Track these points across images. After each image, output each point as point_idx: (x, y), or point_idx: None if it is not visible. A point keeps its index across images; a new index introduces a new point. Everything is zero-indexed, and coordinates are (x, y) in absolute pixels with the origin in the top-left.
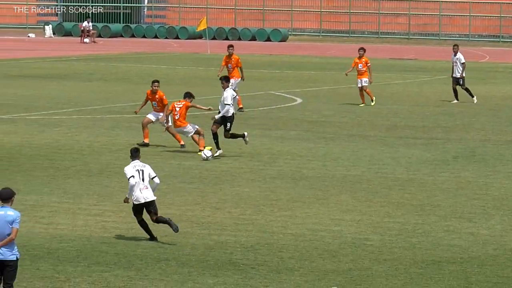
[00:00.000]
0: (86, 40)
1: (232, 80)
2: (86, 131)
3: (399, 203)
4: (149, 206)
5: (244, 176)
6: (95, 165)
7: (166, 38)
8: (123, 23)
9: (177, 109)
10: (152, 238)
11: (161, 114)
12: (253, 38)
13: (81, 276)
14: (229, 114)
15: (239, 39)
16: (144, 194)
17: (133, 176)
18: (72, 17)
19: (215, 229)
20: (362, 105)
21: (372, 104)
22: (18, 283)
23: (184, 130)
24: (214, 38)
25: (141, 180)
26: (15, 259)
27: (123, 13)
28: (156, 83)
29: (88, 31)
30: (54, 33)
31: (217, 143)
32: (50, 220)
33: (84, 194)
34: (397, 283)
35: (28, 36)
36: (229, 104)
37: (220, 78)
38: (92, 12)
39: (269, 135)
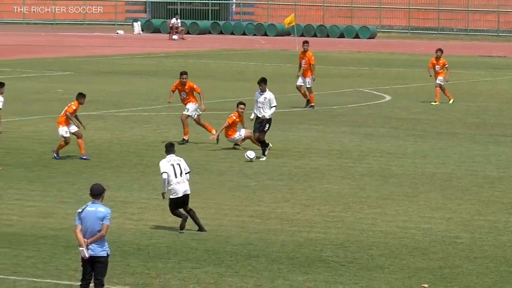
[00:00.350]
0: (175, 37)
1: (307, 79)
2: (175, 128)
3: (489, 201)
4: (186, 199)
5: (333, 173)
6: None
7: (255, 35)
8: (211, 20)
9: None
10: (201, 229)
11: (190, 104)
12: (342, 35)
13: (171, 272)
14: (271, 116)
15: (327, 36)
16: (182, 187)
17: (166, 172)
18: (161, 14)
19: (305, 226)
20: (435, 103)
21: (450, 102)
22: (108, 279)
23: (234, 139)
24: (302, 35)
25: (179, 175)
26: (105, 255)
27: (212, 10)
28: (184, 75)
29: (177, 28)
30: (142, 30)
31: (264, 150)
32: (140, 217)
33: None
34: (488, 281)
35: (117, 33)
36: (276, 106)
37: (259, 82)
38: (180, 9)
39: (358, 132)
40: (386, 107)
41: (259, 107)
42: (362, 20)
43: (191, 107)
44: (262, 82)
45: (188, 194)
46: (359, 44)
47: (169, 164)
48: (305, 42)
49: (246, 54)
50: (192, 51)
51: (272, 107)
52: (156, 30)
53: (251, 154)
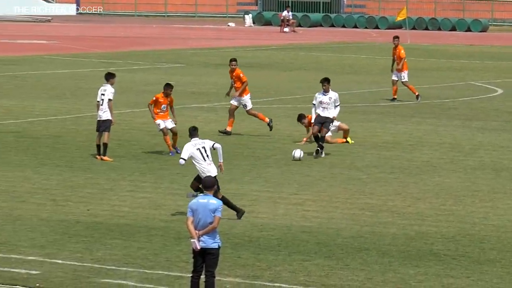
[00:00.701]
0: (286, 29)
1: (402, 74)
2: (287, 120)
3: None
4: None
5: (445, 167)
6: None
7: (366, 28)
8: (322, 12)
9: None
10: (239, 212)
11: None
12: (453, 29)
13: (282, 264)
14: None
15: (439, 29)
16: (212, 169)
17: (184, 159)
18: (272, 7)
19: (416, 220)
20: None
21: None
22: (219, 271)
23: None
24: (413, 28)
25: (206, 157)
26: (217, 247)
27: (323, 2)
28: (233, 62)
29: (288, 20)
30: (254, 22)
31: (321, 148)
32: (251, 209)
33: (284, 183)
34: None
35: (228, 25)
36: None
37: (322, 81)
38: (292, 2)
39: (470, 125)
40: (498, 101)
41: (324, 107)
42: (474, 13)
43: (243, 100)
44: (326, 81)
45: (214, 176)
46: (470, 37)
47: (195, 149)
48: (395, 37)
49: (357, 47)
50: (303, 44)
51: (337, 106)
52: (267, 23)
53: (298, 153)
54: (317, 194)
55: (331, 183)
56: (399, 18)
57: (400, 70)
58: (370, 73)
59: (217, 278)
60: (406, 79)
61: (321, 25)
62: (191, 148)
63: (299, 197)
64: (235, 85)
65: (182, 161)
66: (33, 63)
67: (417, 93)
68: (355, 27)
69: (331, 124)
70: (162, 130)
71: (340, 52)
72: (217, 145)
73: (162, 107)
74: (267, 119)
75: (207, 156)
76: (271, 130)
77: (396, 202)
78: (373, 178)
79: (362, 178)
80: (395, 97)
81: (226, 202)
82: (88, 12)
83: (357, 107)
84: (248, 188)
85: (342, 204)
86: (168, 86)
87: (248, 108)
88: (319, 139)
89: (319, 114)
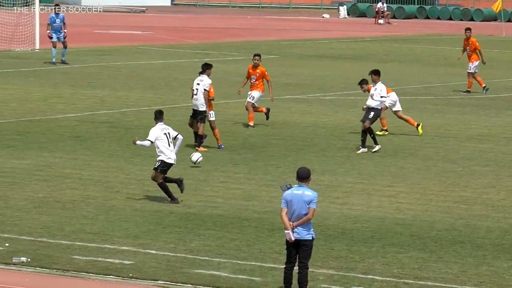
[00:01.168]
0: (380, 21)
1: (470, 64)
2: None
3: None
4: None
5: None
6: (389, 146)
7: (461, 20)
8: (417, 4)
9: None
10: (173, 198)
11: (256, 91)
12: None
13: (375, 257)
14: (377, 106)
15: None
16: (174, 156)
17: (150, 141)
18: None
19: (510, 213)
20: None
21: None
22: (312, 262)
23: None
24: (509, 21)
25: (171, 143)
26: (311, 238)
27: None
28: (257, 57)
29: (383, 12)
30: (348, 14)
31: (374, 138)
32: (344, 201)
33: (378, 175)
34: None
35: (323, 17)
36: (385, 97)
37: (370, 73)
38: None
39: None
40: None
41: (370, 97)
42: None
43: (256, 95)
44: (373, 74)
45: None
46: None
47: (162, 133)
48: (467, 28)
49: (453, 39)
50: (398, 36)
51: (381, 97)
52: (362, 14)
53: (195, 157)
54: (411, 187)
55: (425, 176)
56: (496, 10)
57: (471, 61)
58: (465, 65)
59: (310, 269)
60: (474, 70)
61: (415, 17)
62: (158, 132)
63: (393, 189)
64: (256, 81)
65: (147, 143)
66: (127, 54)
67: (484, 85)
68: (450, 19)
69: (371, 113)
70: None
71: (435, 44)
72: (180, 136)
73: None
74: (264, 109)
75: (171, 142)
76: (267, 119)
77: (491, 195)
78: (468, 171)
79: (457, 171)
80: (484, 85)
81: (163, 187)
82: (183, 3)
83: (452, 99)
84: (342, 180)
85: (436, 196)
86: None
87: (254, 101)
88: (369, 132)
89: (367, 106)
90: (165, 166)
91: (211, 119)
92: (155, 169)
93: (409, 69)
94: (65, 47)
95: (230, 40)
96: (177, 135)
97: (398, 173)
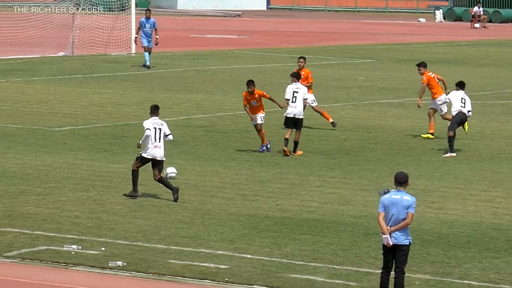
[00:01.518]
0: (477, 25)
1: None
2: (476, 116)
3: None
4: (156, 164)
5: None
6: (485, 150)
7: None
8: None
9: None
10: (135, 190)
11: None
12: None
13: (471, 262)
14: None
15: None
16: (154, 152)
17: (149, 129)
18: (463, 2)
19: None
20: None
21: None
22: (408, 267)
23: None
24: None
25: (158, 139)
26: (408, 243)
27: None
28: (301, 59)
29: (479, 16)
30: (444, 18)
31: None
32: (440, 205)
33: (474, 179)
34: None
35: (419, 21)
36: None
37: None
38: None
39: None
40: None
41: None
42: None
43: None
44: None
45: (158, 160)
46: None
47: (152, 126)
48: None
49: None
50: (494, 40)
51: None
52: (458, 18)
53: (169, 170)
54: (508, 191)
55: None
56: None
57: None
58: None
59: (406, 274)
60: None
61: None
62: (149, 125)
63: (489, 194)
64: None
65: (148, 132)
66: (223, 58)
67: None
68: None
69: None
70: (255, 125)
71: None
72: (171, 137)
73: (252, 103)
74: (330, 119)
75: (159, 138)
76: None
77: None
78: None
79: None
80: None
81: (163, 182)
82: (278, 7)
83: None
84: (437, 185)
85: None
86: (249, 83)
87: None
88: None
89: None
90: (143, 160)
91: (259, 122)
92: (136, 159)
93: (506, 73)
94: (149, 52)
95: (326, 44)
96: (169, 134)
97: (494, 177)
